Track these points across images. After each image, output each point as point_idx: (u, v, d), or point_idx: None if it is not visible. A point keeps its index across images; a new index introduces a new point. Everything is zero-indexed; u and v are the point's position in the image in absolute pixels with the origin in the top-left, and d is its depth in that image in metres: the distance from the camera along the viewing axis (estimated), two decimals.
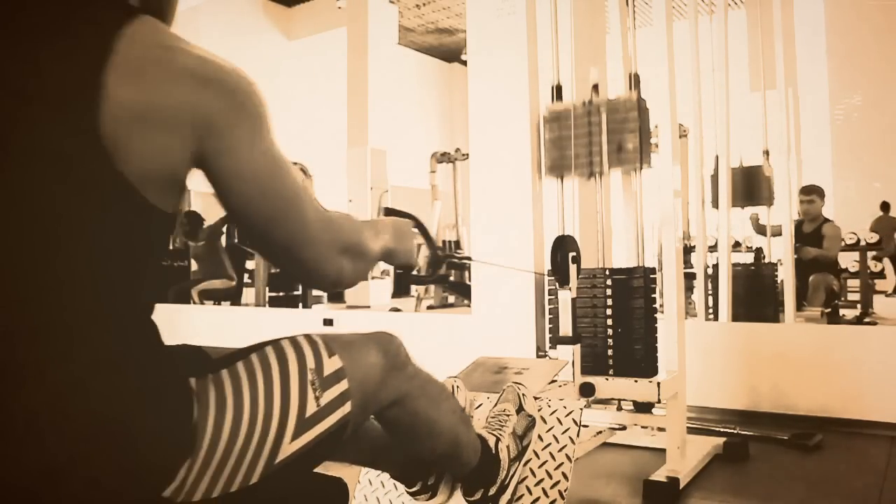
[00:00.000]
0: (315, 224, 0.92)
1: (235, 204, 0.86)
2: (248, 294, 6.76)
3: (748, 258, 4.38)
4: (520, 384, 1.59)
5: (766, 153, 4.08)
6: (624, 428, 2.40)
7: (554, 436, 1.53)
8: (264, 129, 0.84)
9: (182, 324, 5.06)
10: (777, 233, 4.01)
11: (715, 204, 3.88)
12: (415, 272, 1.29)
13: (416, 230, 1.27)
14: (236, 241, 6.63)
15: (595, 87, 2.30)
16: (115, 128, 0.74)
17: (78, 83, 0.74)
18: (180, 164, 0.79)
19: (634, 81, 2.27)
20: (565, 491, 1.45)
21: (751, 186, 4.05)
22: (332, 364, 0.94)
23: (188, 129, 0.78)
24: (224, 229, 6.64)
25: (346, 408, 0.94)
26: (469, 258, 1.62)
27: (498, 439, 1.39)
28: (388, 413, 1.08)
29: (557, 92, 2.26)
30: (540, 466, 1.49)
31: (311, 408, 0.90)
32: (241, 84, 0.82)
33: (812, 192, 4.91)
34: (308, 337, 0.96)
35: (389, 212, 1.29)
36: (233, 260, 6.53)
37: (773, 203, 4.06)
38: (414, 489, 1.37)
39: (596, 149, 2.11)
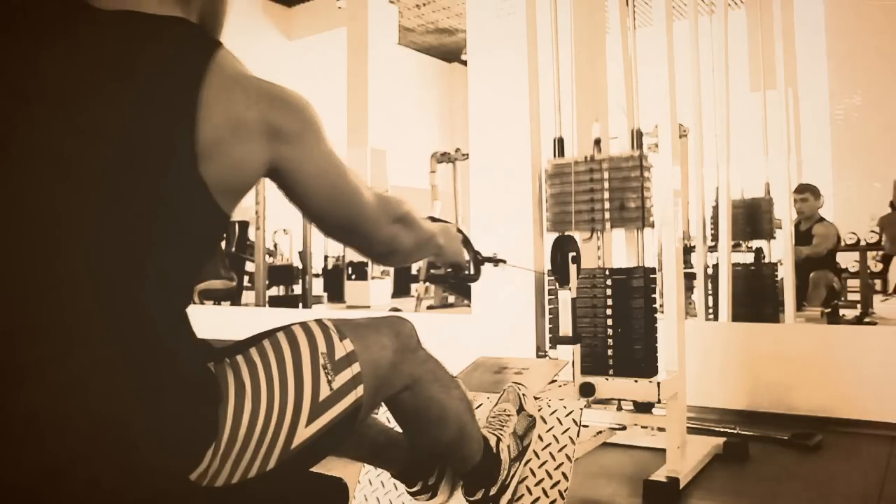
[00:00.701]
0: (371, 203, 1.05)
1: (308, 200, 0.98)
2: (248, 295, 6.77)
3: (748, 258, 4.37)
4: (520, 384, 1.59)
5: (767, 185, 4.09)
6: (624, 428, 2.40)
7: (554, 436, 1.53)
8: (324, 136, 0.97)
9: None
10: (777, 226, 4.02)
11: (714, 238, 3.88)
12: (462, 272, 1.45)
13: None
14: (234, 249, 6.64)
15: (597, 143, 2.29)
16: (207, 138, 0.83)
17: (178, 99, 0.83)
18: (254, 172, 0.90)
19: (637, 138, 2.25)
20: (565, 491, 1.45)
21: (752, 220, 4.05)
22: (343, 348, 0.96)
23: (265, 141, 0.89)
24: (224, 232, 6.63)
25: (359, 391, 0.96)
26: (504, 261, 1.67)
27: (499, 439, 1.39)
28: (400, 397, 1.10)
29: (559, 146, 2.24)
30: (540, 466, 1.49)
31: (325, 391, 0.92)
32: (304, 102, 0.95)
33: (805, 191, 4.90)
34: (319, 321, 0.98)
35: (432, 220, 1.34)
36: (233, 261, 6.53)
37: (773, 237, 4.06)
38: (414, 489, 1.37)
39: (598, 206, 2.11)
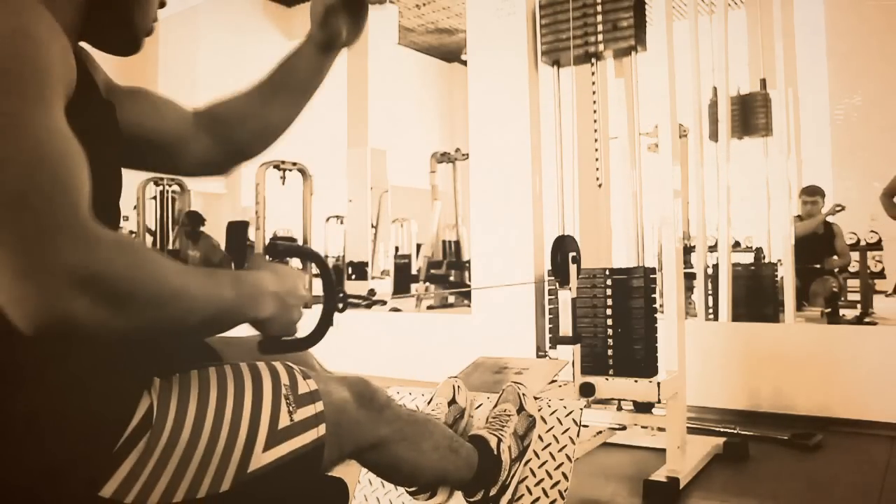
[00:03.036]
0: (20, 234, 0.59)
1: None
2: None
3: (748, 258, 4.37)
4: (520, 384, 1.59)
5: (763, 81, 4.13)
6: (624, 428, 2.41)
7: (554, 436, 1.53)
8: None
9: None
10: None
11: (714, 137, 3.91)
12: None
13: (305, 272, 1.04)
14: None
15: None
16: None
17: None
18: None
19: None
20: (565, 491, 1.45)
21: (749, 115, 4.10)
22: (306, 385, 0.94)
23: None
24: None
25: (321, 429, 0.92)
26: (381, 302, 1.43)
27: (500, 440, 1.39)
28: (367, 456, 1.07)
29: None
30: (540, 466, 1.49)
31: (284, 421, 0.88)
32: None
33: (815, 194, 4.93)
34: (284, 362, 0.95)
35: (273, 249, 0.92)
36: (233, 262, 6.53)
37: (771, 133, 4.10)
38: (414, 489, 1.37)
39: (591, 30, 2.18)
